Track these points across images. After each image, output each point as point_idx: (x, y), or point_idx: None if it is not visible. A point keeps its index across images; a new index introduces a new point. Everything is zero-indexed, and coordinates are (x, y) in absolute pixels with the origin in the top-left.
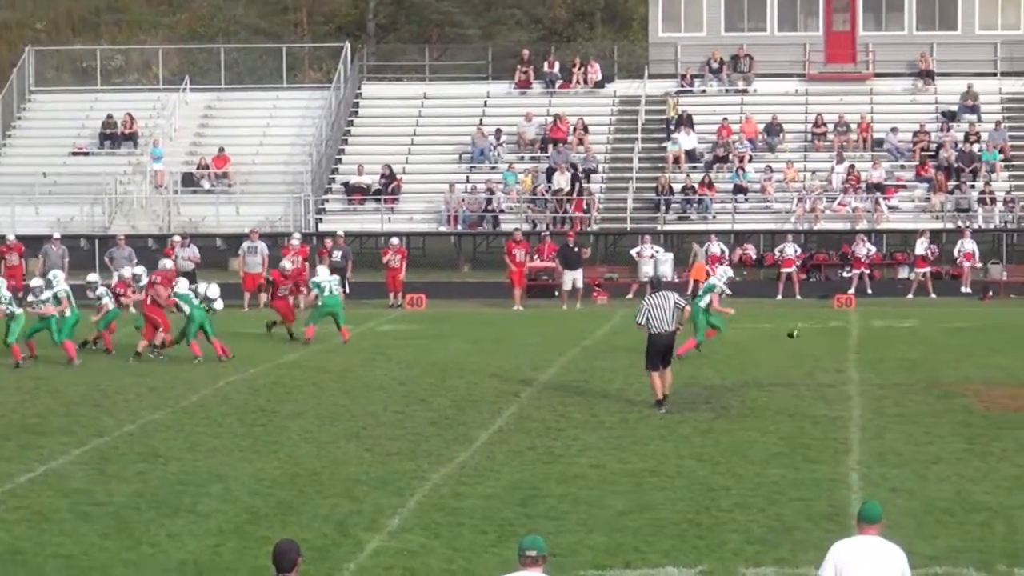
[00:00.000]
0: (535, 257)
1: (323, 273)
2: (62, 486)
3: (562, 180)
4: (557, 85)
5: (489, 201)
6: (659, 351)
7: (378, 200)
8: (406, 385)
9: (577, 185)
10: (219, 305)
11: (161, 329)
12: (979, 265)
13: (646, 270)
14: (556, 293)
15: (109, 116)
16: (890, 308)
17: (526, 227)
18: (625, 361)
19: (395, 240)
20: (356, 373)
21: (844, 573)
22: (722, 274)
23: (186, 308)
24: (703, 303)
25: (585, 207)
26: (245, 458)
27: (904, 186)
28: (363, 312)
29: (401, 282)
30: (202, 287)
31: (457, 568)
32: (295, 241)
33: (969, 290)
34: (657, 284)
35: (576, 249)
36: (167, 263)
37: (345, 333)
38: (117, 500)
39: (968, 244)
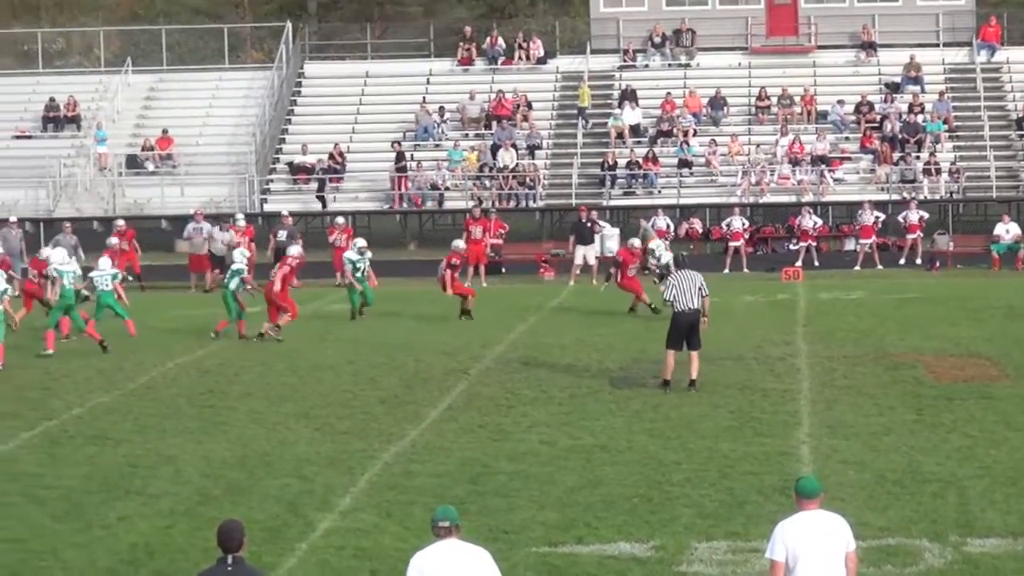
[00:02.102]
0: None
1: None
2: (12, 469)
3: (507, 157)
4: (500, 62)
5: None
6: (682, 330)
7: (323, 179)
8: (355, 364)
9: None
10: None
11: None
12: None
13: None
14: (539, 269)
15: (51, 99)
16: (837, 280)
17: (471, 204)
18: (573, 337)
19: (341, 219)
20: (304, 353)
21: (795, 551)
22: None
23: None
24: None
25: (530, 183)
26: (195, 439)
27: (849, 158)
28: (310, 291)
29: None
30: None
31: (409, 546)
32: (240, 222)
33: (919, 260)
34: (681, 262)
35: (588, 224)
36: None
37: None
38: (67, 483)
39: (913, 215)
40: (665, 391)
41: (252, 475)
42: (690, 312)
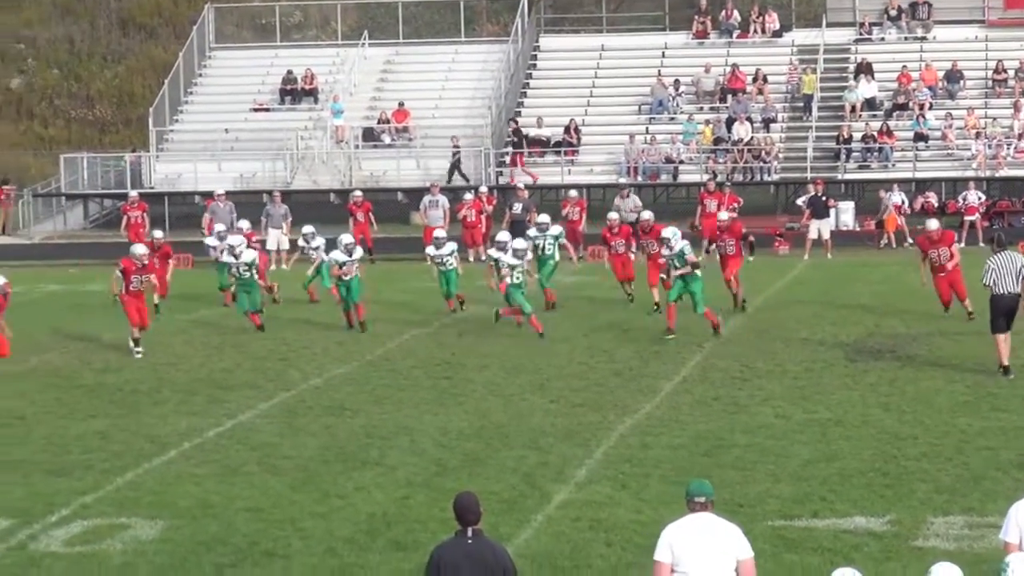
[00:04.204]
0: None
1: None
2: (250, 440)
3: (742, 130)
4: (735, 35)
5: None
6: (1001, 312)
7: (558, 152)
8: (589, 337)
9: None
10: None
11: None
12: None
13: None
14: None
15: (289, 72)
16: None
17: (705, 177)
18: (809, 311)
19: (573, 192)
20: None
21: None
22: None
23: None
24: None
25: (765, 156)
26: (431, 411)
27: None
28: None
29: (581, 234)
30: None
31: (645, 519)
32: (469, 196)
33: None
34: (1001, 243)
35: (824, 199)
36: None
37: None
38: (305, 453)
39: None
40: (1008, 376)
41: (489, 446)
42: (1008, 296)
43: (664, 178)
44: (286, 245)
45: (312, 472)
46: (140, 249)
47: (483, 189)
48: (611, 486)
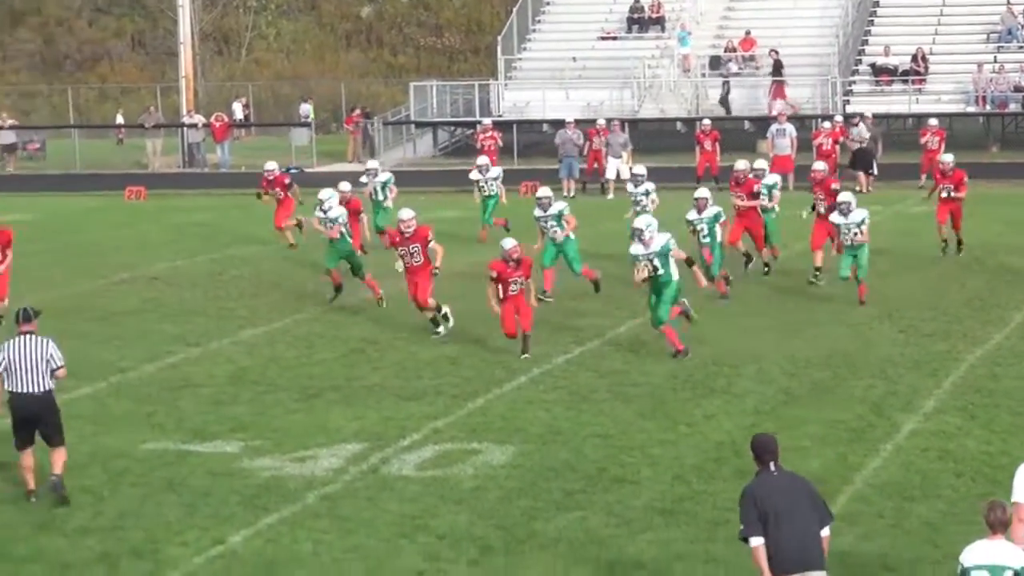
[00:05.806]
0: None
1: None
2: (598, 367)
3: None
4: None
5: None
6: None
7: (905, 81)
8: (940, 265)
9: None
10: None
11: None
12: None
13: None
14: None
15: (637, 1)
16: None
17: None
18: None
19: (934, 121)
20: (891, 253)
21: None
22: None
23: None
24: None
25: None
26: (778, 339)
27: None
28: (893, 193)
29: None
30: None
31: (994, 450)
32: (827, 124)
33: None
34: None
35: None
36: None
37: None
38: (653, 380)
39: None
40: None
41: (836, 375)
42: None
43: (1012, 107)
44: (626, 174)
45: (660, 399)
46: (509, 243)
47: (838, 118)
48: (960, 417)
